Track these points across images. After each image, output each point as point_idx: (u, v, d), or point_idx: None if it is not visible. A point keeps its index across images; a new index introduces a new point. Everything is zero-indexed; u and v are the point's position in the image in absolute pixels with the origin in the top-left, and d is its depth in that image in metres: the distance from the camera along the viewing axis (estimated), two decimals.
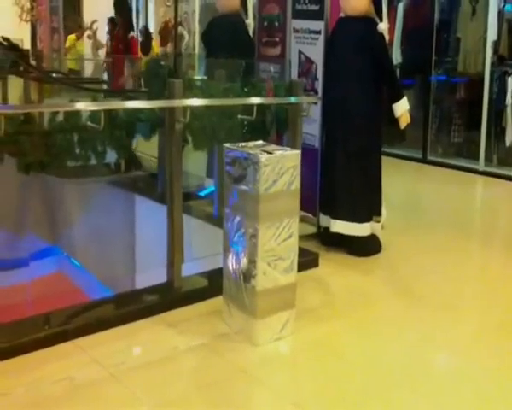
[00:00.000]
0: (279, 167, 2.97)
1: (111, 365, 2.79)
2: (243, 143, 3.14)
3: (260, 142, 3.23)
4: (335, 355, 3.06)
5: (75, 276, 5.56)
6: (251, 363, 2.90)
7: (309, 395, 2.68)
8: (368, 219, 4.35)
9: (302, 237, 4.24)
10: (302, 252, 4.08)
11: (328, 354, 3.05)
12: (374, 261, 4.31)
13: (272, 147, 3.14)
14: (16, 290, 4.88)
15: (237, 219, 3.06)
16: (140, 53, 9.45)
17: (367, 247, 4.37)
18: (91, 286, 5.17)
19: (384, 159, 4.56)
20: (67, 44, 10.78)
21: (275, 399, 2.67)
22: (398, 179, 6.65)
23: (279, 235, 3.02)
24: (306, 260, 4.08)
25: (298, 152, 3.11)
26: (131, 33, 6.39)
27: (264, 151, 3.02)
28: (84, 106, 3.15)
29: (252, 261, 2.99)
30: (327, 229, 4.43)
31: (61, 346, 2.92)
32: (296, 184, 3.07)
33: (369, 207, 4.38)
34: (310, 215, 4.60)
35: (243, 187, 3.01)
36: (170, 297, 3.44)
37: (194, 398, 2.63)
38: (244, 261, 3.03)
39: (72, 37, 11.07)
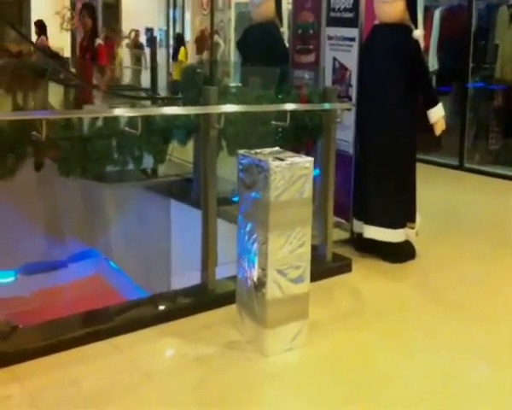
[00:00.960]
0: (290, 175, 2.93)
1: (145, 365, 2.86)
2: (258, 150, 3.13)
3: (277, 149, 3.20)
4: (362, 364, 3.03)
5: (113, 278, 5.69)
6: (259, 374, 2.86)
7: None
8: (402, 226, 4.34)
9: (335, 243, 4.30)
10: (335, 257, 4.14)
11: (353, 364, 3.02)
12: (407, 268, 4.29)
13: (287, 154, 3.10)
14: (56, 291, 5.03)
15: (249, 226, 3.03)
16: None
17: (401, 253, 4.36)
18: (128, 288, 5.29)
19: (420, 166, 4.55)
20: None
21: None
22: (434, 186, 6.59)
23: (290, 243, 2.97)
24: (339, 266, 4.11)
25: (310, 159, 3.05)
26: (98, 41, 6.45)
27: (278, 158, 2.98)
28: (121, 112, 3.24)
29: (262, 269, 2.95)
30: (360, 235, 4.43)
31: (97, 345, 2.99)
32: (308, 193, 3.02)
33: (403, 214, 4.37)
34: (343, 221, 4.61)
35: (254, 194, 2.99)
36: (203, 299, 3.49)
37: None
38: (255, 269, 2.99)
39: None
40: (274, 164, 2.89)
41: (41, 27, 9.07)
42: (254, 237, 2.98)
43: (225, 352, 3.01)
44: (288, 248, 2.97)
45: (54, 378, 2.72)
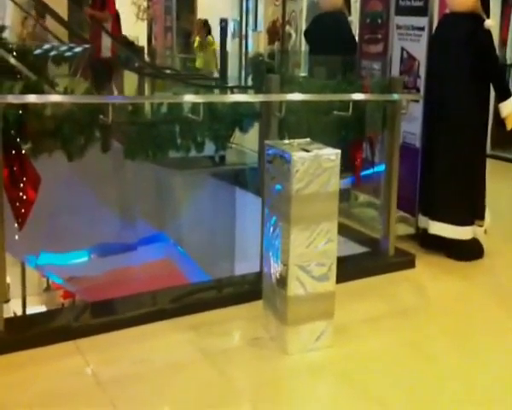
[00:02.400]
0: (315, 167, 2.81)
1: (204, 347, 2.94)
2: (287, 141, 3.05)
3: (307, 140, 3.08)
4: (419, 363, 2.98)
5: (180, 263, 5.85)
6: (277, 372, 2.81)
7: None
8: (470, 223, 4.24)
9: (400, 238, 4.25)
10: (398, 252, 4.10)
11: (409, 361, 2.97)
12: (474, 267, 4.17)
13: (315, 146, 2.96)
14: (126, 272, 5.23)
15: (273, 219, 2.95)
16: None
17: (468, 251, 4.25)
18: (194, 273, 5.43)
19: (493, 162, 4.42)
20: (195, 45, 11.15)
21: None
22: (507, 184, 6.37)
23: (314, 239, 2.85)
24: (402, 261, 4.06)
25: (337, 151, 2.90)
26: None
27: (304, 149, 2.87)
28: (184, 98, 3.33)
29: (284, 265, 2.87)
30: (426, 230, 4.35)
31: (161, 323, 3.09)
32: (335, 186, 2.89)
33: (471, 211, 4.26)
34: (408, 216, 4.55)
35: (278, 186, 2.90)
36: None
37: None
38: (278, 264, 2.92)
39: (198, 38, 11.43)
40: (297, 155, 2.79)
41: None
42: (278, 230, 2.91)
43: (247, 347, 2.97)
44: (312, 245, 2.86)
45: (116, 354, 2.84)
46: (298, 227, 2.81)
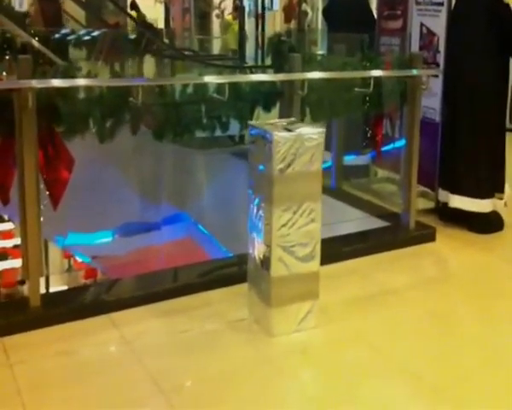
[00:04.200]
0: (296, 147, 2.76)
1: (232, 319, 3.03)
2: (271, 121, 3.01)
3: (292, 119, 3.07)
4: (440, 330, 3.06)
5: (202, 241, 5.95)
6: (260, 355, 2.79)
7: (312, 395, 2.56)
8: (490, 196, 4.28)
9: (420, 212, 4.30)
10: (418, 226, 4.15)
11: (430, 330, 3.04)
12: (495, 239, 4.22)
13: (299, 125, 2.93)
14: (150, 251, 5.33)
15: (257, 200, 2.91)
16: None
17: (488, 224, 4.29)
18: (215, 251, 5.52)
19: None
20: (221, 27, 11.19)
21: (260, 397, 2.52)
22: None
23: (297, 220, 2.82)
24: (422, 234, 4.11)
25: (320, 130, 2.85)
26: None
27: (286, 129, 2.82)
28: (209, 79, 3.39)
29: (267, 246, 2.83)
30: (446, 204, 4.40)
31: (189, 297, 3.19)
32: (318, 166, 2.83)
33: (491, 183, 4.30)
34: (428, 190, 4.60)
35: (261, 167, 2.85)
36: None
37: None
38: (261, 246, 2.88)
39: (228, 18, 11.43)
40: (278, 135, 2.74)
41: None
42: (261, 212, 2.87)
43: (230, 329, 2.96)
44: (295, 225, 2.82)
45: (148, 326, 2.96)
46: (280, 208, 2.78)
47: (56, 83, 2.93)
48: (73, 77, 3.02)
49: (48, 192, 2.91)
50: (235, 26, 11.04)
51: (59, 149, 2.92)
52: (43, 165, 2.89)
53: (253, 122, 3.02)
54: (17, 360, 2.63)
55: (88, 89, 3.05)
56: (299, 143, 2.77)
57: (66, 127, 2.99)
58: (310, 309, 2.93)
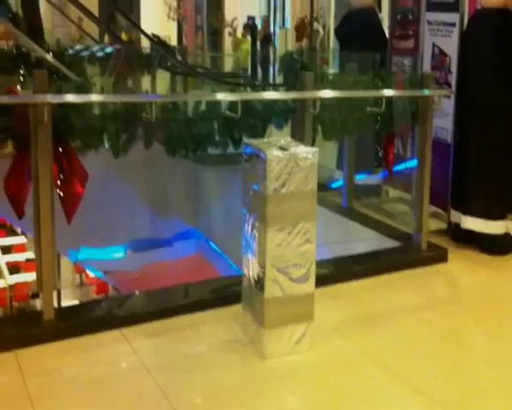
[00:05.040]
0: (291, 167, 2.73)
1: (241, 334, 3.04)
2: (266, 140, 3.00)
3: (288, 138, 3.02)
4: (453, 346, 3.06)
5: (213, 258, 5.97)
6: (252, 377, 2.74)
7: None
8: (502, 217, 4.26)
9: (432, 233, 4.29)
10: (430, 246, 4.14)
11: (443, 346, 3.04)
12: (507, 261, 4.19)
13: (294, 144, 2.91)
14: (161, 267, 5.37)
15: (251, 220, 2.87)
16: None
17: (500, 245, 4.27)
18: (226, 267, 5.54)
19: None
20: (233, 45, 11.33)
21: None
22: None
23: (292, 240, 2.78)
24: (434, 255, 4.10)
25: (314, 150, 2.83)
26: None
27: (281, 148, 2.79)
28: (222, 96, 3.43)
29: (261, 267, 2.79)
30: (458, 225, 4.38)
31: (201, 314, 3.20)
32: (312, 185, 2.80)
33: (503, 204, 4.28)
34: (440, 210, 4.59)
35: (254, 186, 2.82)
36: None
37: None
38: (255, 266, 2.85)
39: (238, 37, 11.58)
40: (272, 154, 2.71)
41: None
42: (255, 231, 2.84)
43: (224, 350, 2.91)
44: (290, 246, 2.78)
45: (159, 341, 2.97)
46: (274, 228, 2.74)
47: (72, 98, 2.97)
48: (88, 92, 3.06)
49: (62, 206, 2.93)
50: (245, 45, 11.19)
51: (73, 163, 2.96)
52: (58, 179, 2.92)
53: (247, 140, 3.00)
54: (30, 372, 2.65)
55: (102, 104, 3.09)
56: (294, 162, 2.75)
57: (80, 142, 3.03)
58: (304, 331, 2.88)
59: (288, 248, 2.78)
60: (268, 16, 11.49)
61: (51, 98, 2.86)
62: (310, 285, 2.87)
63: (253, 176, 2.84)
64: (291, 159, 2.74)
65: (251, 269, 2.90)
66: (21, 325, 2.94)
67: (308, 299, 2.87)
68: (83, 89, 3.06)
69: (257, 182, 2.80)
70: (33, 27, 6.63)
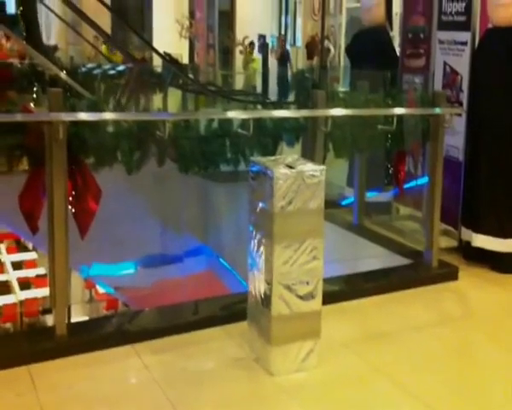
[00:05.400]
0: (298, 184, 2.76)
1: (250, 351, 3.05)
2: (273, 158, 3.02)
3: (295, 156, 3.03)
4: (464, 363, 3.06)
5: (223, 275, 5.97)
6: (258, 394, 2.75)
7: None
8: None
9: (443, 250, 4.30)
10: (441, 264, 4.15)
11: (454, 362, 3.04)
12: None
13: (301, 162, 2.92)
14: (172, 284, 5.37)
15: (258, 237, 2.88)
16: None
17: (511, 263, 4.27)
18: (236, 284, 5.54)
19: None
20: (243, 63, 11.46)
21: None
22: None
23: (298, 257, 2.80)
24: (445, 272, 4.11)
25: (321, 168, 2.86)
26: None
27: (288, 166, 2.82)
28: (234, 114, 3.46)
29: (268, 284, 2.81)
30: (469, 243, 4.38)
31: (212, 330, 3.22)
32: (319, 202, 2.83)
33: None
34: (451, 228, 4.59)
35: (261, 204, 2.84)
36: None
37: None
38: (262, 283, 2.86)
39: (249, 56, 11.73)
40: (279, 172, 2.74)
41: None
42: (262, 248, 2.85)
43: (229, 368, 2.92)
44: (296, 263, 2.80)
45: (170, 357, 2.98)
46: (281, 245, 2.76)
47: (86, 116, 3.01)
48: (102, 111, 3.10)
49: (76, 222, 2.96)
50: (254, 63, 11.30)
51: (87, 180, 2.99)
52: (72, 195, 2.95)
53: (254, 158, 3.03)
54: (42, 386, 2.67)
55: (116, 122, 3.13)
56: (301, 180, 2.78)
57: (94, 159, 3.06)
58: (311, 348, 2.88)
59: (294, 266, 2.80)
60: (280, 34, 11.57)
61: (66, 116, 2.90)
62: (317, 302, 2.88)
63: (259, 194, 2.87)
64: (298, 177, 2.77)
65: (257, 286, 2.91)
66: (34, 340, 2.96)
67: (315, 316, 2.88)
68: (96, 107, 3.10)
69: (264, 199, 2.82)
70: (30, 31, 6.68)
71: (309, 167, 2.84)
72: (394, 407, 2.69)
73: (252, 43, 11.90)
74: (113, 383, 2.76)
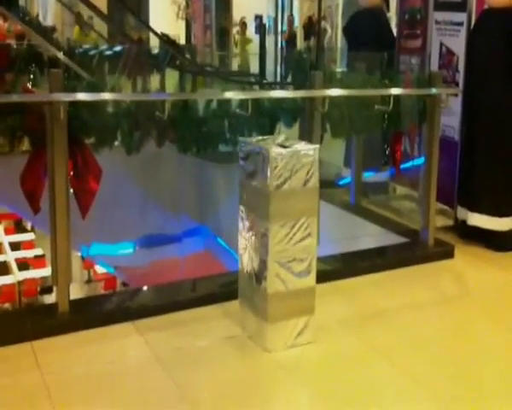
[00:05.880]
0: (293, 163, 2.79)
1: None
2: (262, 137, 3.04)
3: (283, 136, 3.05)
4: (462, 343, 3.10)
5: (220, 254, 6.03)
6: (257, 370, 2.80)
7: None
8: (508, 214, 4.31)
9: (439, 229, 4.34)
10: (437, 243, 4.19)
11: (450, 343, 3.08)
12: None
13: (292, 142, 2.95)
14: (170, 264, 5.43)
15: (250, 216, 2.91)
16: None
17: (506, 242, 4.31)
18: (234, 264, 5.60)
19: None
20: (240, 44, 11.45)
21: None
22: None
23: (294, 235, 2.83)
24: (441, 251, 4.15)
25: (315, 147, 2.89)
26: None
27: (281, 146, 2.84)
28: (232, 95, 3.48)
29: (263, 262, 2.83)
30: (464, 222, 4.43)
31: (210, 307, 3.26)
32: (314, 182, 2.86)
33: (510, 202, 4.32)
34: (447, 207, 4.64)
35: (255, 183, 2.86)
36: None
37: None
38: (256, 262, 2.88)
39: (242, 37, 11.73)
40: (275, 152, 2.76)
41: None
42: (255, 228, 2.87)
43: (223, 346, 2.95)
44: (292, 241, 2.83)
45: (170, 334, 3.03)
46: (277, 224, 2.79)
47: (86, 97, 3.03)
48: (101, 91, 3.13)
49: (77, 202, 3.00)
50: (245, 44, 11.29)
51: (88, 160, 3.02)
52: (73, 175, 2.99)
53: (245, 139, 3.05)
54: (45, 362, 2.72)
55: (115, 102, 3.16)
56: (296, 159, 2.80)
57: (94, 139, 3.10)
58: (306, 324, 2.93)
59: (290, 243, 2.83)
60: (276, 15, 11.54)
61: (66, 97, 2.93)
62: (311, 279, 2.93)
63: (252, 173, 2.87)
64: (293, 156, 2.79)
65: (249, 265, 2.93)
66: (37, 318, 3.01)
67: (310, 292, 2.93)
68: (96, 88, 3.12)
69: (258, 179, 2.83)
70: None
71: (303, 147, 2.87)
72: (390, 384, 2.73)
73: (244, 24, 11.86)
74: (114, 359, 2.81)
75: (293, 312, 2.89)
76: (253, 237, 2.89)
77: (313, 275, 2.93)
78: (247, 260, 2.97)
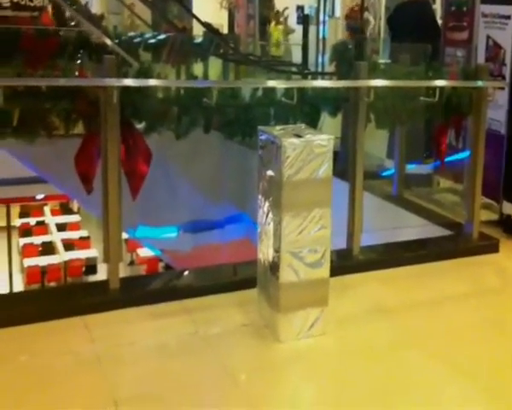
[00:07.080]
0: (306, 153, 2.76)
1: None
2: (281, 126, 3.01)
3: (302, 125, 3.05)
4: (495, 337, 3.09)
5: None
6: (267, 360, 2.81)
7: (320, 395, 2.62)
8: None
9: (484, 223, 4.31)
10: (481, 236, 4.17)
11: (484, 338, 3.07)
12: None
13: (309, 131, 2.93)
14: (212, 249, 5.53)
15: (266, 205, 2.90)
16: None
17: None
18: None
19: None
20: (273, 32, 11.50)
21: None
22: None
23: (307, 226, 2.81)
24: (485, 245, 4.13)
25: (329, 137, 2.85)
26: None
27: (296, 135, 2.83)
28: (278, 84, 3.54)
29: (276, 252, 2.82)
30: (510, 216, 4.40)
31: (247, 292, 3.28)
32: (328, 172, 2.83)
33: None
34: (493, 202, 4.60)
35: (270, 173, 2.86)
36: (349, 263, 3.69)
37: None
38: (270, 251, 2.88)
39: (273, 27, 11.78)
40: (287, 141, 2.75)
41: None
42: (270, 217, 2.86)
43: (238, 333, 2.97)
44: (305, 231, 2.81)
45: (216, 314, 3.11)
46: (289, 214, 2.77)
47: (139, 83, 3.13)
48: (152, 77, 3.22)
49: (128, 183, 3.11)
50: (275, 33, 11.36)
51: (139, 143, 3.12)
52: (124, 158, 3.09)
53: (262, 127, 3.02)
54: (97, 336, 2.84)
55: (165, 89, 3.24)
56: (309, 149, 2.78)
57: (144, 124, 3.20)
58: (319, 316, 2.90)
59: (303, 234, 2.81)
60: (318, 5, 11.48)
61: (119, 82, 3.03)
62: (325, 270, 2.90)
63: (268, 162, 2.88)
64: (306, 146, 2.78)
65: (266, 254, 2.94)
66: (90, 293, 3.15)
67: (323, 284, 2.90)
68: (146, 74, 3.21)
69: (272, 168, 2.83)
70: None
71: (317, 137, 2.85)
72: (421, 373, 2.74)
73: (277, 13, 11.85)
74: (163, 335, 2.91)
75: (305, 302, 2.87)
76: (269, 226, 2.89)
77: (327, 266, 2.90)
78: (263, 249, 2.97)
